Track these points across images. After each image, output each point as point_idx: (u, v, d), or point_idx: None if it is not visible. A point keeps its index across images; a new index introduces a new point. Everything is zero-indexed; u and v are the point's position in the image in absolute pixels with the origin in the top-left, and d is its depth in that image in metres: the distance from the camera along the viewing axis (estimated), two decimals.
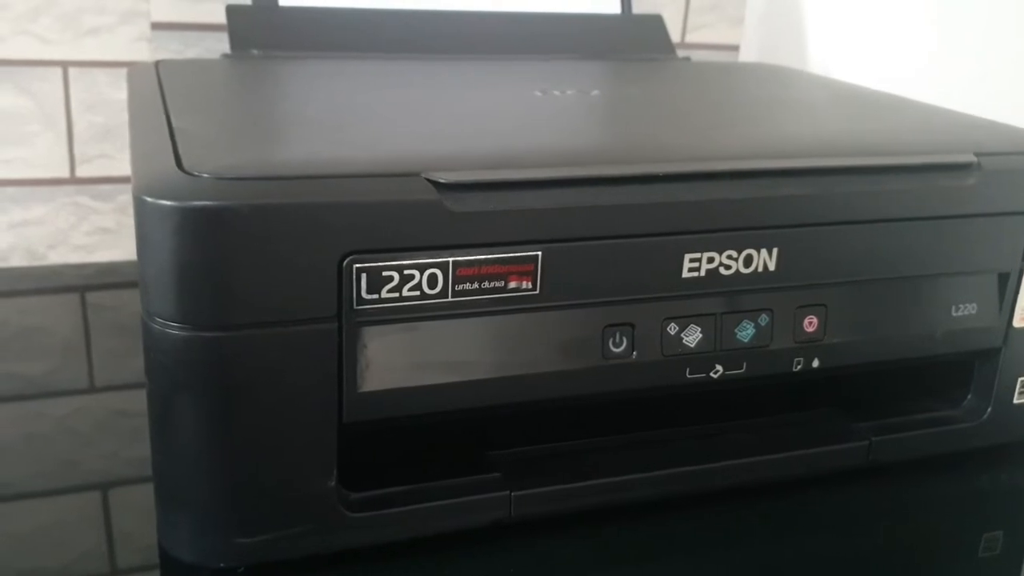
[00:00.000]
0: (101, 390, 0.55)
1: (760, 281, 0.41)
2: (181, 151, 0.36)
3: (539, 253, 0.37)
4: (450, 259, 0.36)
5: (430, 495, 0.40)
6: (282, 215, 0.33)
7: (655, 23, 0.71)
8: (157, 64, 0.54)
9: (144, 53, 0.71)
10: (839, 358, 0.44)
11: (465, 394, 0.39)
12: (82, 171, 0.72)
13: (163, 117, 0.42)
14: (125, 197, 0.73)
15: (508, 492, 0.40)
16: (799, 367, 0.43)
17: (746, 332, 0.42)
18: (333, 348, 0.36)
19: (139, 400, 0.40)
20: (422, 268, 0.36)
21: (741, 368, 0.42)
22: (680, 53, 0.71)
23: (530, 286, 0.37)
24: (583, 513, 0.42)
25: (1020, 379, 0.48)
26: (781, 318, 0.42)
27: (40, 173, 0.71)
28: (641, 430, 0.45)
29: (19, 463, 0.47)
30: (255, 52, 0.60)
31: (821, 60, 0.79)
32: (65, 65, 0.70)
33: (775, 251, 0.41)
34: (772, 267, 0.41)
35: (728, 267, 0.40)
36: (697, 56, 0.82)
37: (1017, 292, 0.46)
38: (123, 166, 0.73)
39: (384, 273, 0.35)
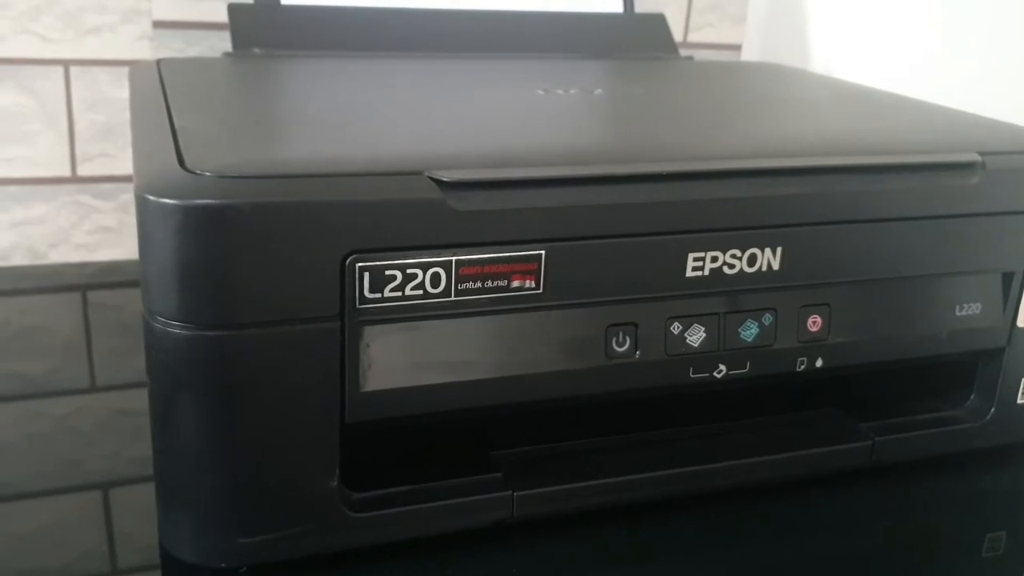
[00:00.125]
0: (102, 389, 0.55)
1: (764, 280, 0.41)
2: (183, 150, 0.36)
3: (543, 252, 0.37)
4: (453, 258, 0.36)
5: (432, 495, 0.40)
6: (284, 214, 0.33)
7: (658, 22, 0.71)
8: (159, 63, 0.54)
9: (146, 52, 0.71)
10: (843, 358, 0.44)
11: (468, 394, 0.38)
12: (83, 170, 0.72)
13: (165, 116, 0.42)
14: (126, 196, 0.73)
15: (510, 492, 0.40)
16: (803, 367, 0.43)
17: (750, 332, 0.42)
18: (335, 347, 0.35)
19: (140, 399, 0.40)
20: (425, 267, 0.36)
21: (745, 368, 0.42)
22: (682, 52, 0.71)
23: (533, 285, 0.37)
24: (585, 513, 0.42)
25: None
26: (785, 318, 0.42)
27: (41, 172, 0.71)
28: (644, 430, 0.45)
29: (20, 463, 0.46)
30: (257, 51, 0.59)
31: (823, 59, 0.79)
32: (67, 64, 0.70)
33: (779, 250, 0.41)
34: (776, 266, 0.41)
35: (732, 266, 0.40)
36: (699, 55, 0.82)
37: (1021, 292, 0.46)
38: (124, 165, 0.73)
39: (387, 272, 0.35)
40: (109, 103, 0.71)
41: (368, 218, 0.34)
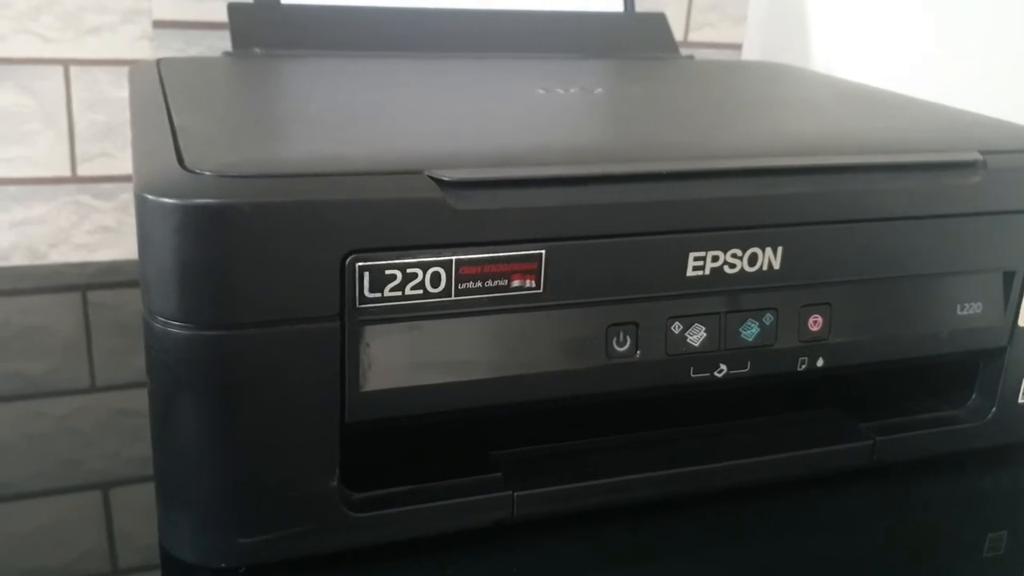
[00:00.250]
0: (102, 389, 0.55)
1: (764, 280, 0.41)
2: (183, 149, 0.36)
3: (543, 252, 0.37)
4: (453, 258, 0.36)
5: (432, 495, 0.40)
6: (284, 213, 0.33)
7: (658, 21, 0.71)
8: (159, 62, 0.54)
9: (146, 51, 0.71)
10: (844, 357, 0.44)
11: (468, 394, 0.38)
12: (83, 170, 0.72)
13: (165, 115, 0.41)
14: (126, 196, 0.73)
15: (511, 492, 0.40)
16: (803, 366, 0.43)
17: (750, 331, 0.42)
18: (335, 347, 0.35)
19: (140, 399, 0.40)
20: (425, 267, 0.36)
21: (745, 367, 0.42)
22: (683, 52, 0.71)
23: (534, 285, 0.37)
24: (585, 513, 0.42)
25: None
26: (786, 317, 0.42)
27: (41, 172, 0.71)
28: (644, 430, 0.45)
29: (20, 463, 0.46)
30: (257, 50, 0.59)
31: (824, 58, 0.79)
32: (66, 63, 0.70)
33: (779, 250, 0.40)
34: (776, 266, 0.41)
35: (732, 266, 0.40)
36: (700, 55, 0.82)
37: (1022, 291, 0.46)
38: (124, 165, 0.72)
39: (387, 272, 0.35)
40: (109, 103, 0.71)
41: (368, 217, 0.34)
